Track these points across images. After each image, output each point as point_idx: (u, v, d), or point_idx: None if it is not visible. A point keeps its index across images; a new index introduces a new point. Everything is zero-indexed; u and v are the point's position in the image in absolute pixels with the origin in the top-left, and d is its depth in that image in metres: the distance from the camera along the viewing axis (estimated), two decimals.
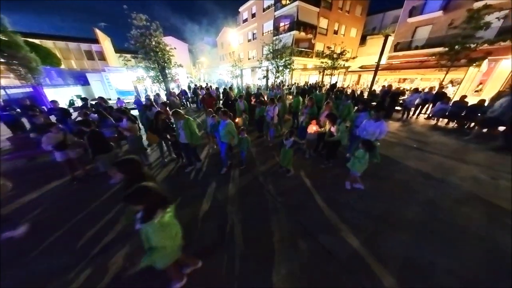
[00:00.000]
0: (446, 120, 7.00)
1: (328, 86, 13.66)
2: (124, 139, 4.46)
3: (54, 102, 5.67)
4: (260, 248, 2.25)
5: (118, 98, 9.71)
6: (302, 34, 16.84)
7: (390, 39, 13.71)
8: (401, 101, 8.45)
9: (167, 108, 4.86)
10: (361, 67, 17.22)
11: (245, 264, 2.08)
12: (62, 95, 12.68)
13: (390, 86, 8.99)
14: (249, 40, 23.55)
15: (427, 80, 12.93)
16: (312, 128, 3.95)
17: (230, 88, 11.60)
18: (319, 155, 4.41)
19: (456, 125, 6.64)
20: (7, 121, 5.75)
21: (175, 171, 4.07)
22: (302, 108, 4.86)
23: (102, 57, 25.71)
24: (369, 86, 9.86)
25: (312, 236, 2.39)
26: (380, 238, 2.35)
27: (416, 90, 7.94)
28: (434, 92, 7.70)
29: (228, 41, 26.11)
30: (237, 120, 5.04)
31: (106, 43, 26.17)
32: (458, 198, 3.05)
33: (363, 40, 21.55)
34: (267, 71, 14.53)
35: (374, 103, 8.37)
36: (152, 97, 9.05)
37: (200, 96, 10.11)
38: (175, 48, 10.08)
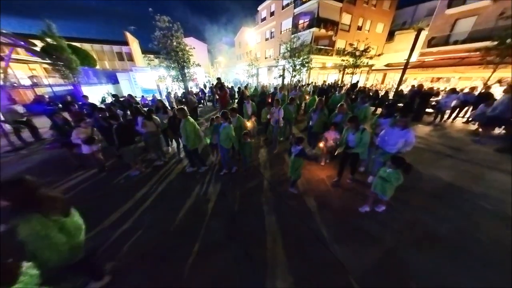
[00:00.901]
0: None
1: (348, 86, 12.90)
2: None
3: (85, 97, 6.30)
4: (266, 250, 2.18)
5: (142, 96, 10.49)
6: (322, 31, 16.12)
7: (423, 34, 12.35)
8: (434, 103, 7.56)
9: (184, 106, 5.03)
10: (387, 65, 15.86)
11: (249, 265, 2.03)
12: (96, 92, 14.09)
13: (421, 85, 8.09)
14: (266, 39, 23.40)
15: (467, 79, 11.36)
16: (320, 145, 3.60)
17: (246, 87, 11.64)
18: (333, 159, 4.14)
19: (503, 131, 5.69)
20: (49, 114, 6.56)
21: (188, 167, 4.21)
22: (311, 111, 4.28)
23: (130, 57, 27.98)
24: (395, 85, 9.03)
25: (323, 244, 2.24)
26: (402, 254, 2.10)
27: (453, 91, 7.01)
28: (476, 92, 6.71)
29: (245, 40, 26.28)
30: (247, 124, 4.70)
31: (134, 45, 28.38)
32: (502, 216, 2.59)
33: (390, 36, 19.81)
34: (284, 70, 14.24)
35: (401, 104, 7.66)
36: (173, 96, 9.54)
37: (217, 96, 10.34)
38: (194, 48, 10.45)
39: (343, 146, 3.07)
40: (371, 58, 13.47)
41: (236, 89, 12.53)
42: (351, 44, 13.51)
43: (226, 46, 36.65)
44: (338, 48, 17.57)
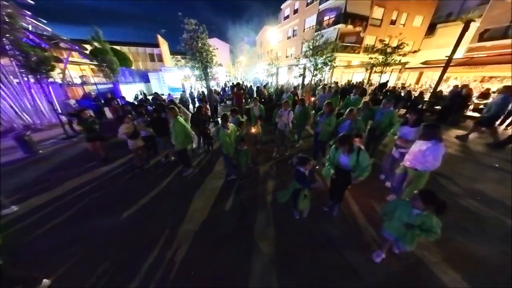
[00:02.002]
0: None
1: (376, 86, 11.90)
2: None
3: (123, 97, 7.12)
4: (275, 248, 2.21)
5: (169, 94, 11.37)
6: (350, 27, 15.15)
7: (473, 26, 10.64)
8: (482, 106, 6.51)
9: (207, 104, 5.28)
10: (424, 63, 14.16)
11: (257, 261, 2.08)
12: (131, 90, 15.78)
13: (465, 86, 7.04)
14: (288, 38, 23.00)
15: None
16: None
17: (265, 86, 11.65)
18: None
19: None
20: (94, 110, 7.59)
21: (205, 161, 4.46)
22: (318, 115, 3.73)
23: (160, 58, 30.43)
24: (432, 85, 8.02)
25: (335, 249, 2.17)
26: (426, 271, 1.91)
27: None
28: None
29: (267, 39, 26.27)
30: (252, 130, 4.40)
31: (164, 47, 30.78)
32: None
33: (431, 30, 17.58)
34: (305, 69, 13.84)
35: (439, 107, 6.80)
36: (196, 93, 10.08)
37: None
38: (217, 49, 10.86)
39: (330, 171, 2.30)
40: (404, 55, 12.16)
41: (254, 88, 12.64)
42: (381, 41, 12.44)
43: (248, 46, 37.13)
44: (367, 45, 16.32)
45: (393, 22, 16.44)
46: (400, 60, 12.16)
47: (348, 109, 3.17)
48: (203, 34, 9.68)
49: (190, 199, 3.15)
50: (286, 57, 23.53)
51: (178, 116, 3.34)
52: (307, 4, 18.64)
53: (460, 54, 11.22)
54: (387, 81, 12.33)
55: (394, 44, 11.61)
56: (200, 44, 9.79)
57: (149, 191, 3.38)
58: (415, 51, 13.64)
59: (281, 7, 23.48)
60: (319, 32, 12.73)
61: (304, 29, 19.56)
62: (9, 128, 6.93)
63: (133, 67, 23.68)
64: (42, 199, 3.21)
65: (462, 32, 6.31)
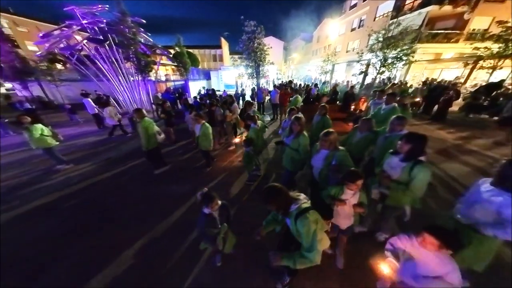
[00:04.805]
0: None
1: (480, 87, 8.73)
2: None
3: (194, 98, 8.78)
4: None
5: (224, 90, 12.96)
6: (446, 8, 11.62)
7: None
8: None
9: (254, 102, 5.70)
10: None
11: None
12: (196, 86, 19.00)
13: None
14: (352, 29, 20.30)
15: None
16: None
17: (316, 85, 11.05)
18: None
19: None
20: (171, 101, 9.81)
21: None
22: (283, 135, 2.88)
23: (221, 59, 34.49)
24: None
25: (360, 256, 2.03)
26: None
27: None
28: None
29: (325, 33, 24.29)
30: (235, 140, 4.14)
31: (225, 48, 34.62)
32: None
33: None
34: (368, 65, 11.96)
35: None
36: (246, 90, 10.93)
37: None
38: (271, 47, 11.25)
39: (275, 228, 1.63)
40: None
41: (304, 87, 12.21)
42: (501, 22, 8.85)
43: (303, 42, 35.63)
44: (473, 30, 12.04)
45: None
46: None
47: (323, 132, 1.97)
48: (260, 34, 10.29)
49: (228, 182, 3.66)
50: (347, 51, 20.94)
51: (145, 118, 3.38)
52: None
53: None
54: (502, 80, 8.73)
55: None
56: (256, 44, 10.49)
57: (202, 169, 4.21)
58: None
59: None
60: (396, 19, 10.56)
61: (374, 18, 16.69)
62: (126, 112, 10.15)
63: (200, 67, 28.17)
64: (139, 163, 4.67)
65: None
